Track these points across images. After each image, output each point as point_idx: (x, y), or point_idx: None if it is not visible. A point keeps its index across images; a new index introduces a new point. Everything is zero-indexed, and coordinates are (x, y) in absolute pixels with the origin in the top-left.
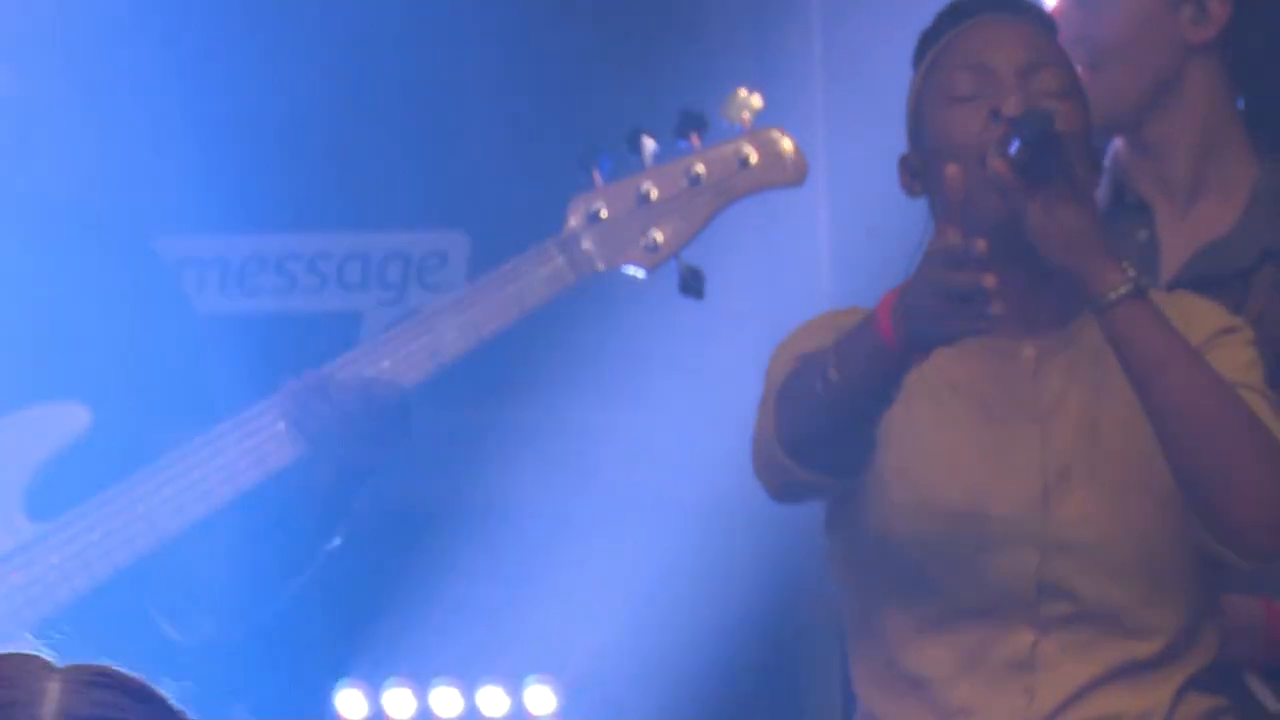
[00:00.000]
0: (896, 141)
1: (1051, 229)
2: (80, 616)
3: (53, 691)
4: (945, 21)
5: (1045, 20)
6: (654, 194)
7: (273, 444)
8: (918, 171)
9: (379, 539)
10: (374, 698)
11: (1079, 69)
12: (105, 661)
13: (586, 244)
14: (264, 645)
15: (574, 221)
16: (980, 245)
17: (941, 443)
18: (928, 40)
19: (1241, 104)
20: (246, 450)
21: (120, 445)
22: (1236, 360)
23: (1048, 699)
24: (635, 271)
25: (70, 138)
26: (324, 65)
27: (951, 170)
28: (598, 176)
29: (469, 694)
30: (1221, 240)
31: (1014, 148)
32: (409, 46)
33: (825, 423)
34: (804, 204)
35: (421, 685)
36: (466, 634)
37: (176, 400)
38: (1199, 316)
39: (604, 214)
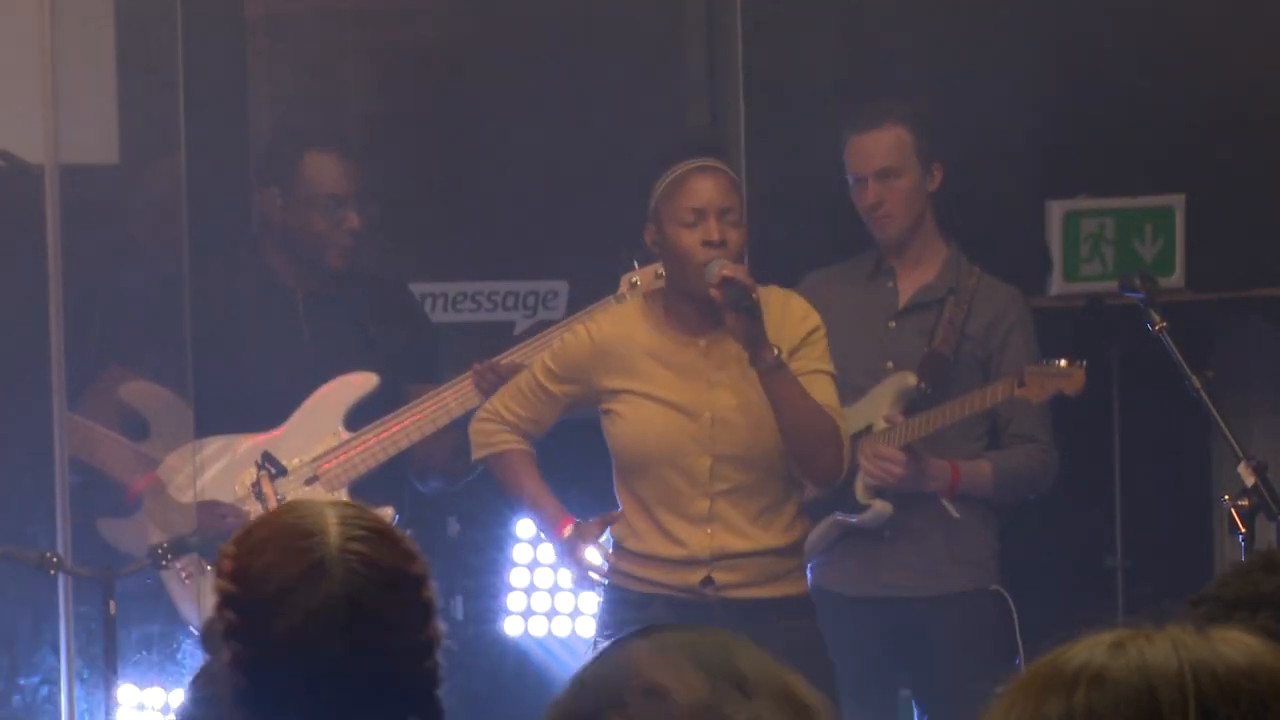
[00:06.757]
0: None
1: (739, 329)
2: (369, 478)
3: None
4: (677, 155)
5: (731, 169)
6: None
7: (468, 394)
8: (657, 240)
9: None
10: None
11: (893, 214)
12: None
13: (627, 300)
14: (468, 489)
15: (623, 287)
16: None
17: (657, 399)
18: (666, 165)
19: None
20: (456, 396)
21: (390, 396)
22: (820, 352)
23: (721, 535)
24: None
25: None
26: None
27: (720, 281)
28: (635, 264)
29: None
30: (928, 285)
31: (726, 289)
32: (535, 156)
33: (512, 500)
34: None
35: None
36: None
37: (420, 370)
38: (794, 315)
39: (637, 282)
